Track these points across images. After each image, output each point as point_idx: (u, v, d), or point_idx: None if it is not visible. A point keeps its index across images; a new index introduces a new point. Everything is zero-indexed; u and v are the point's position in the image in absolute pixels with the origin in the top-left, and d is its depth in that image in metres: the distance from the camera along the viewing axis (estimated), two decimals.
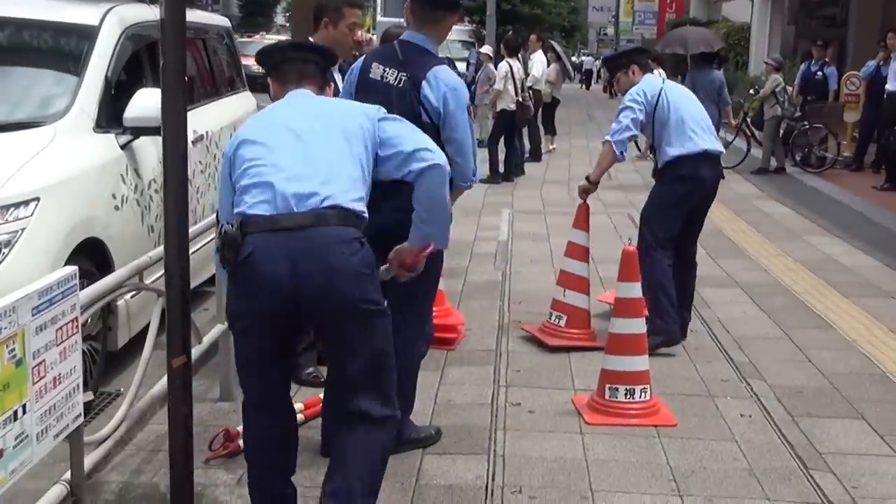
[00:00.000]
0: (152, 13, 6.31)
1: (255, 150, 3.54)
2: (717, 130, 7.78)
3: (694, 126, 6.38)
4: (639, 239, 6.40)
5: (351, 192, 3.46)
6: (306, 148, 3.50)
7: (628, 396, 5.15)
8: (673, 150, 6.33)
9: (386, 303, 3.61)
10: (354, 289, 3.42)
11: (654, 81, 6.51)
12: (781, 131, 15.61)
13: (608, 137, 6.38)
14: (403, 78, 4.42)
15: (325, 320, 3.51)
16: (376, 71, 4.51)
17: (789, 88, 15.91)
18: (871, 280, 8.42)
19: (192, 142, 6.74)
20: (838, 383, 5.75)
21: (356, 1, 5.70)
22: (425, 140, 3.70)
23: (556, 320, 6.44)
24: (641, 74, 6.55)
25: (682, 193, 6.37)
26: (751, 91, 17.04)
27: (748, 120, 16.72)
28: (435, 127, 4.36)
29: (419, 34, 4.54)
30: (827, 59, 16.63)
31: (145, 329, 4.46)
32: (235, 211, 3.47)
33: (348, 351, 3.54)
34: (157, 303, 4.37)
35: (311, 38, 5.46)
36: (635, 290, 5.30)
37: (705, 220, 6.69)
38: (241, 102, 8.35)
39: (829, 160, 15.44)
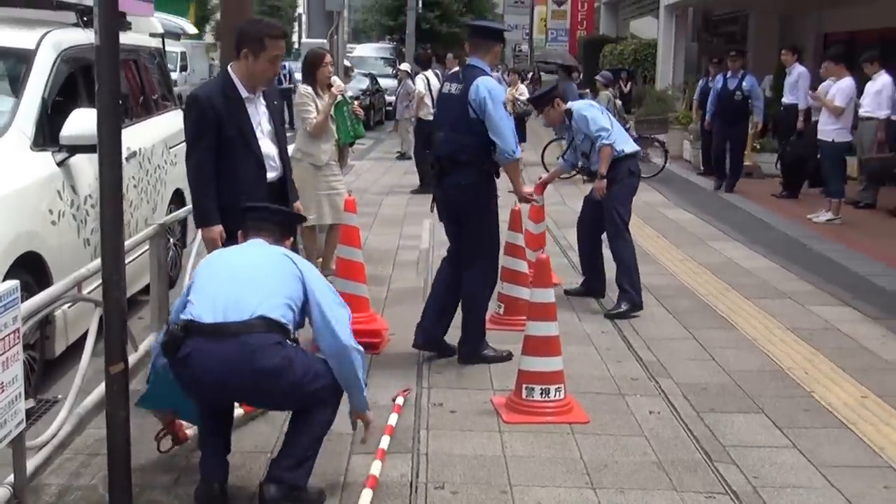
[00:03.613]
0: (87, 37, 6.46)
1: (205, 273, 4.24)
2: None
3: (622, 131, 7.96)
4: (609, 227, 7.82)
5: (277, 307, 4.07)
6: (247, 273, 4.18)
7: (543, 395, 5.41)
8: (624, 147, 7.79)
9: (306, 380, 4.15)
10: (273, 384, 4.05)
11: (585, 101, 8.31)
12: None
13: (605, 141, 7.70)
14: (461, 89, 6.12)
15: (251, 399, 4.52)
16: (447, 87, 6.38)
17: (618, 103, 17.31)
18: (770, 282, 8.82)
19: (126, 158, 6.88)
20: (740, 380, 6.08)
21: (278, 32, 5.32)
22: (327, 304, 4.22)
23: (498, 308, 7.38)
24: (564, 105, 8.03)
25: (635, 184, 7.96)
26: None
27: None
28: (480, 120, 6.01)
29: (475, 58, 6.23)
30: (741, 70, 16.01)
31: (82, 337, 4.61)
32: (182, 315, 4.08)
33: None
34: (95, 312, 4.53)
35: (229, 68, 5.29)
36: (549, 295, 5.54)
37: None
38: (172, 120, 8.46)
39: (658, 168, 16.71)
